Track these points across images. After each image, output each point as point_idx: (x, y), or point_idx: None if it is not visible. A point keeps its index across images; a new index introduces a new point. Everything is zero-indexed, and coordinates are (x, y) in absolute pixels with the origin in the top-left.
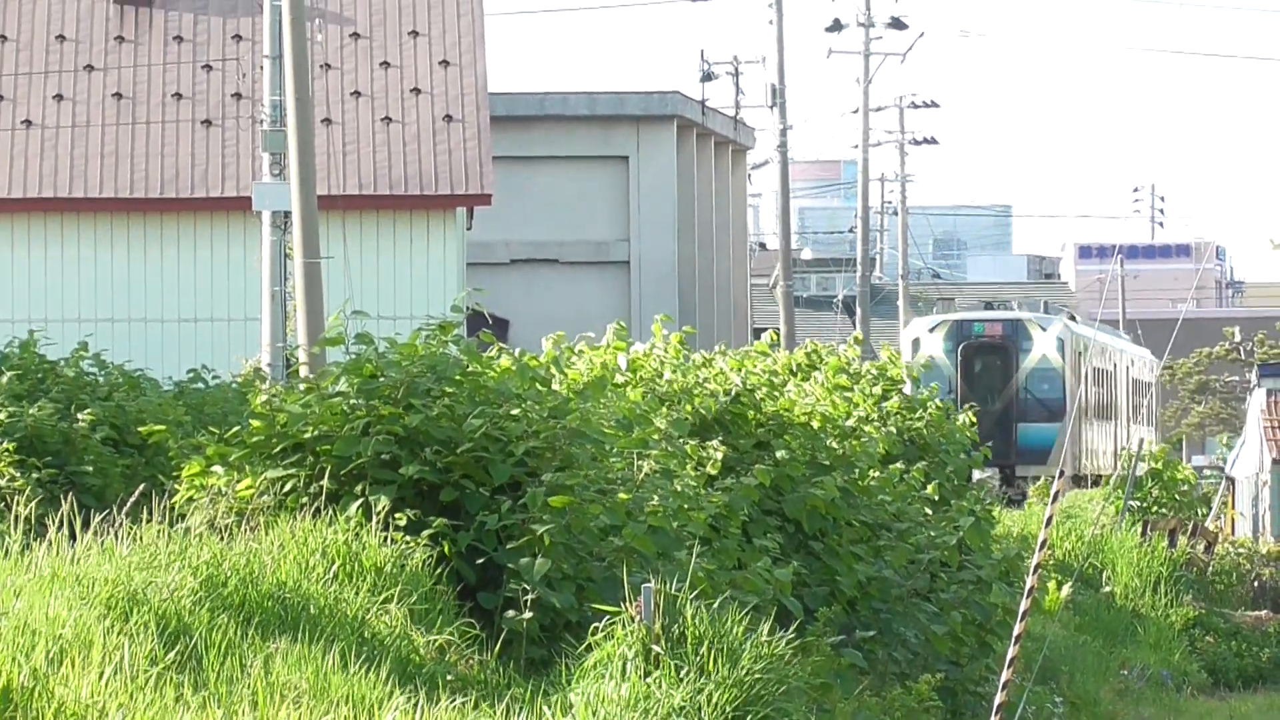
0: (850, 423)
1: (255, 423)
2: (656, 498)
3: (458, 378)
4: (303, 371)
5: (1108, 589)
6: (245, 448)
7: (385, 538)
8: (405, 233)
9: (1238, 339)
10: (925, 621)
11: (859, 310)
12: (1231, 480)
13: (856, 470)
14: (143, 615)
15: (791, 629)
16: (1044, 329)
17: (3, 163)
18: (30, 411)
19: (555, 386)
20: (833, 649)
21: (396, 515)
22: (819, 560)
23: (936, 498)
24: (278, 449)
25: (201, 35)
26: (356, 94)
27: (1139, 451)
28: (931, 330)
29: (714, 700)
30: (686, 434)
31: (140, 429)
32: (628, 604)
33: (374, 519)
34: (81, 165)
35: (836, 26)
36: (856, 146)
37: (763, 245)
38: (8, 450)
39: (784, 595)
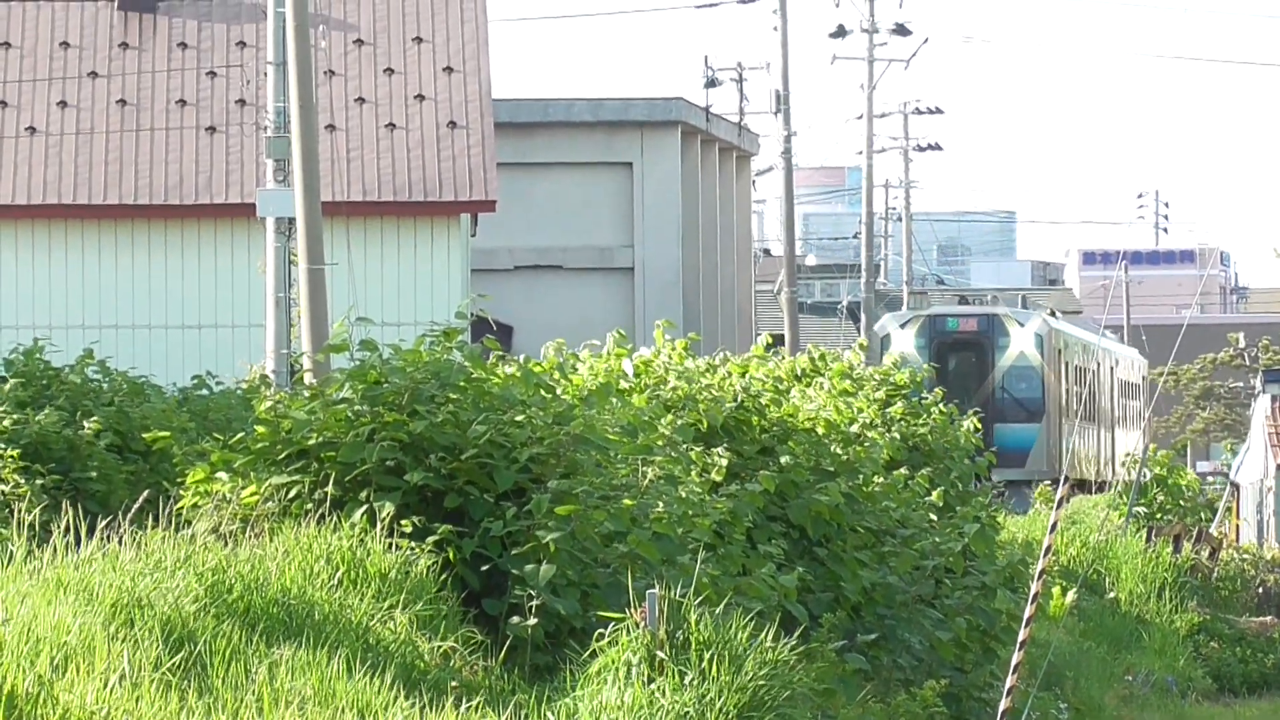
0: (854, 428)
1: (260, 429)
2: (661, 504)
3: (462, 384)
4: (307, 378)
5: (1112, 595)
6: (250, 454)
7: (390, 544)
8: (409, 239)
9: (1242, 345)
10: (930, 627)
11: (863, 316)
12: (1236, 486)
13: (861, 476)
14: (147, 621)
15: (796, 635)
16: (1021, 325)
17: (7, 169)
18: (35, 418)
19: (559, 393)
20: (837, 655)
21: (401, 522)
22: (823, 566)
23: (941, 504)
24: (282, 455)
25: (205, 42)
26: (360, 100)
27: (1144, 457)
28: (903, 326)
29: (718, 706)
30: (691, 440)
31: (145, 435)
32: (632, 610)
33: (378, 525)
34: (85, 172)
35: (841, 33)
36: (861, 153)
37: (767, 251)
38: (12, 457)
39: (788, 601)
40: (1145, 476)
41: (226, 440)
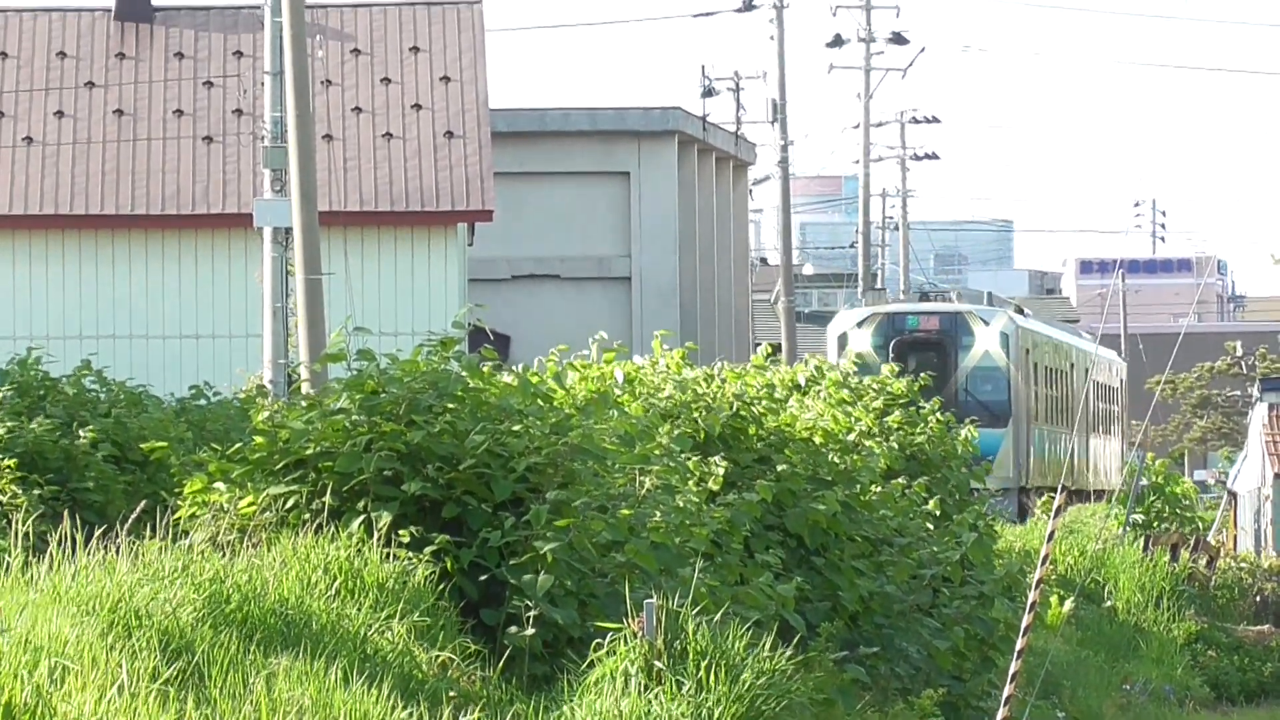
0: (852, 438)
1: (258, 439)
2: (659, 513)
3: (459, 394)
4: (304, 388)
5: (1110, 604)
6: (248, 464)
7: (387, 554)
8: (406, 249)
9: (1239, 353)
10: (927, 636)
11: None
12: (1234, 495)
13: (858, 485)
14: (145, 632)
15: (793, 644)
16: (986, 323)
17: (4, 179)
18: (31, 427)
19: (556, 402)
20: (835, 664)
21: (399, 532)
22: (821, 575)
23: (938, 513)
24: (280, 465)
25: (202, 52)
26: (357, 110)
27: (1140, 466)
28: (859, 325)
29: (716, 716)
30: (688, 449)
31: (142, 446)
32: (630, 620)
33: (376, 535)
34: (83, 182)
35: (838, 42)
36: (858, 162)
37: (764, 260)
38: (9, 467)
39: (786, 610)
40: (1142, 485)
41: (224, 450)
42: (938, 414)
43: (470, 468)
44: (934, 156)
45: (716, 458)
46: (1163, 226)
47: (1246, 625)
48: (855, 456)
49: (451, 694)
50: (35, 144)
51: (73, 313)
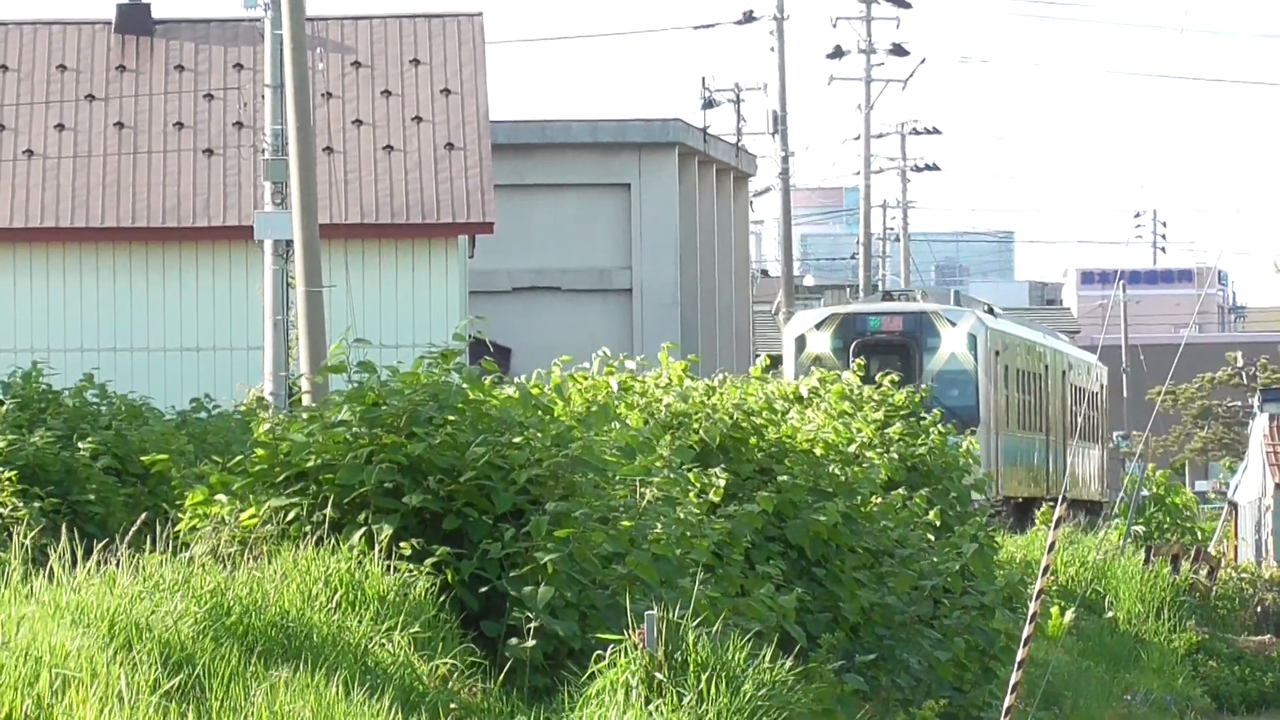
0: (853, 449)
1: (259, 451)
2: (659, 525)
3: (460, 406)
4: (305, 400)
5: (1111, 614)
6: (248, 476)
7: (388, 566)
8: (407, 261)
9: (1240, 364)
10: (928, 647)
11: None
12: (1234, 505)
13: (859, 496)
14: (146, 644)
15: (794, 655)
16: (953, 323)
17: (4, 192)
18: (32, 440)
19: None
20: (836, 675)
21: (400, 544)
22: (822, 586)
23: (939, 524)
24: (281, 478)
25: (203, 64)
26: (358, 122)
27: (1141, 477)
28: (818, 326)
29: None
30: (689, 461)
31: (143, 459)
32: (631, 631)
33: (377, 547)
34: (83, 195)
35: (838, 53)
36: (858, 173)
37: (765, 272)
38: (10, 479)
39: (787, 622)
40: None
41: (225, 463)
42: (939, 426)
43: (471, 479)
44: (935, 168)
45: (717, 469)
46: (1163, 237)
47: (1247, 636)
48: (856, 468)
49: (452, 706)
50: (36, 157)
51: (73, 326)
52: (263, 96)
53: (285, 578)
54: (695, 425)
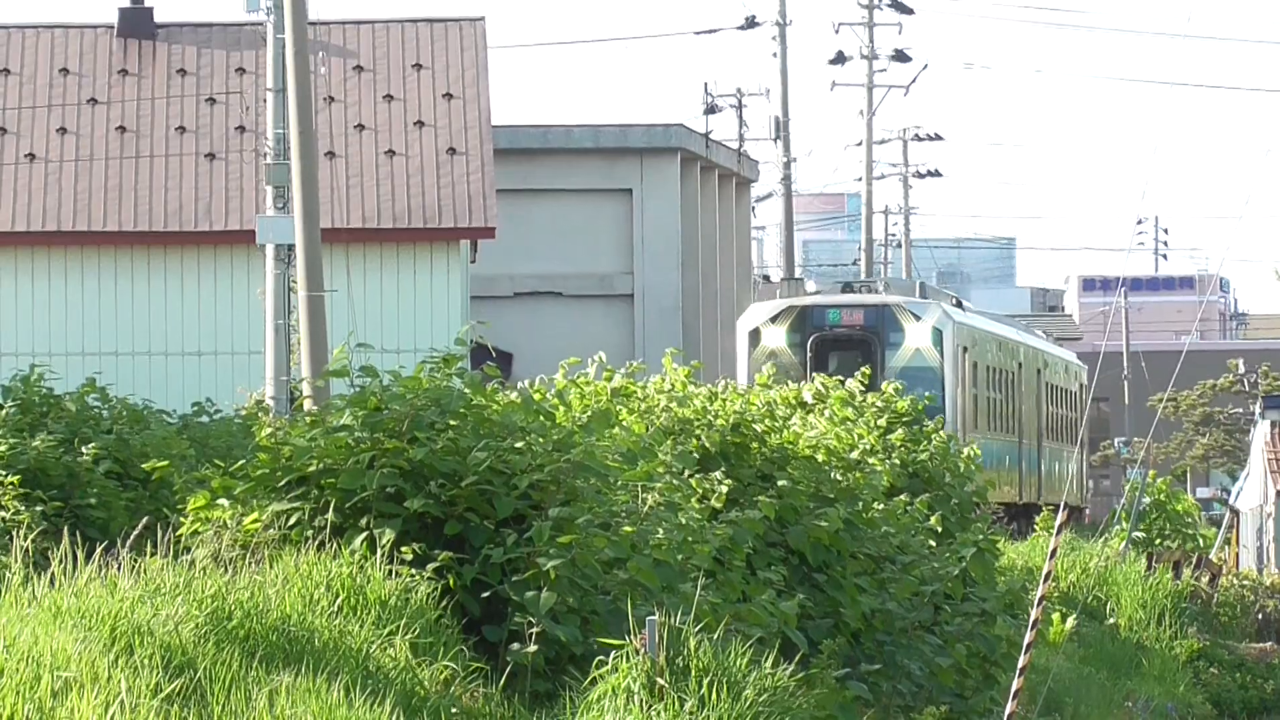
0: (855, 455)
1: (261, 455)
2: (661, 530)
3: (462, 411)
4: (307, 405)
5: (1112, 621)
6: (250, 481)
7: (390, 571)
8: (409, 266)
9: (1241, 371)
10: (929, 654)
11: None
12: (1236, 512)
13: (860, 503)
14: (147, 648)
15: (795, 661)
16: (918, 317)
17: (6, 196)
18: (34, 444)
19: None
20: (837, 681)
21: (401, 549)
22: (823, 592)
23: (940, 530)
24: (282, 482)
25: (205, 68)
26: (360, 127)
27: (1143, 484)
28: (773, 319)
29: None
30: (691, 466)
31: (144, 465)
32: (632, 637)
33: (378, 552)
34: (85, 199)
35: (840, 59)
36: (860, 179)
37: (767, 278)
38: (12, 484)
39: (788, 627)
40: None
41: (227, 467)
42: (940, 432)
43: (472, 484)
44: (937, 174)
45: (717, 473)
46: (1165, 244)
47: (1249, 643)
48: (858, 474)
49: (454, 711)
50: (38, 161)
51: (75, 330)
52: (264, 100)
53: (287, 582)
54: (697, 431)
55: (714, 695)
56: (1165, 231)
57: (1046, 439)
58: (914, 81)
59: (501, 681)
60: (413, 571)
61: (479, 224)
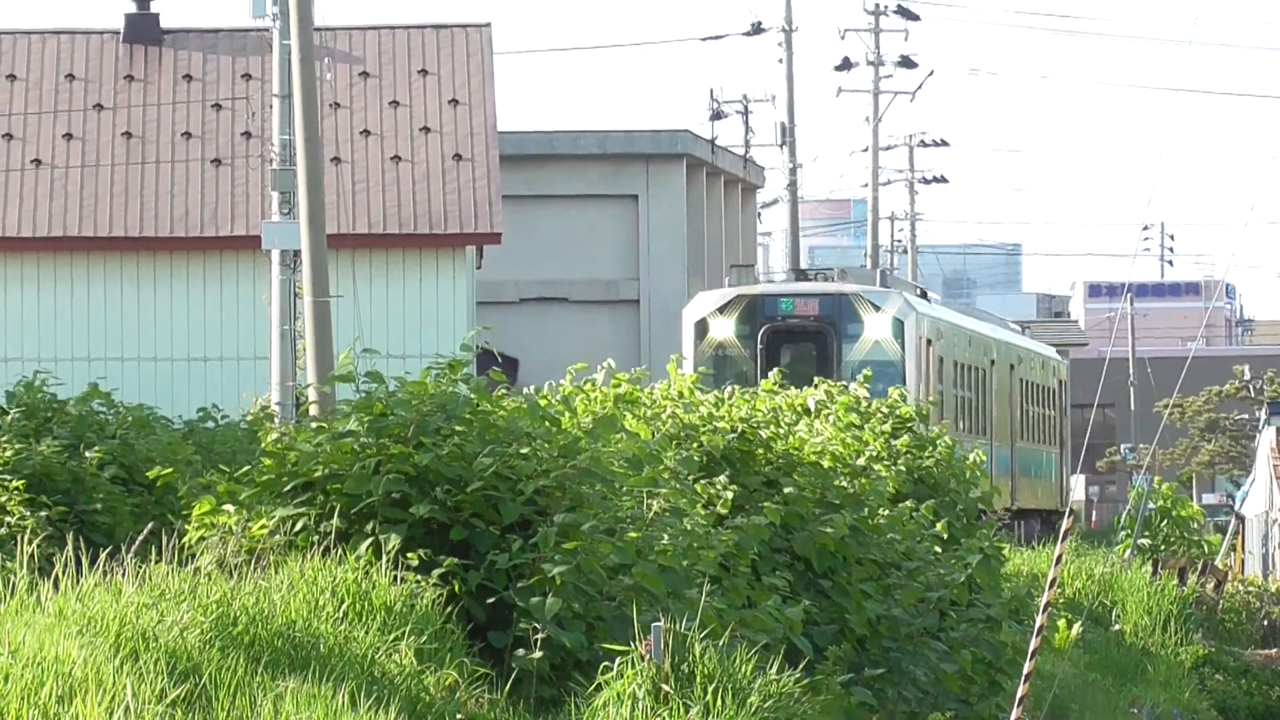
0: (860, 461)
1: (266, 461)
2: (666, 536)
3: (468, 416)
4: (312, 410)
5: (1117, 627)
6: (255, 486)
7: (395, 577)
8: (415, 272)
9: (1247, 377)
10: (935, 660)
11: None
12: (1241, 519)
13: (866, 509)
14: (152, 654)
15: (800, 667)
16: (877, 307)
17: (12, 202)
18: (39, 449)
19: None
20: (842, 687)
21: (407, 554)
22: (828, 599)
23: (946, 536)
24: (288, 488)
25: (211, 74)
26: (366, 133)
27: (1148, 490)
28: (721, 309)
29: None
30: (695, 472)
31: (149, 473)
32: (637, 643)
33: (384, 558)
34: (91, 204)
35: (846, 65)
36: (866, 185)
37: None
38: (17, 489)
39: (793, 634)
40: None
41: (232, 473)
42: (946, 438)
43: (478, 490)
44: (943, 180)
45: (722, 478)
46: (1171, 250)
47: (1254, 649)
48: (864, 480)
49: (459, 716)
50: (44, 166)
51: (80, 335)
52: (271, 106)
53: (292, 588)
54: (702, 436)
55: (719, 701)
56: (1171, 237)
57: (1021, 440)
58: (920, 87)
59: (507, 687)
60: (418, 577)
61: (485, 230)
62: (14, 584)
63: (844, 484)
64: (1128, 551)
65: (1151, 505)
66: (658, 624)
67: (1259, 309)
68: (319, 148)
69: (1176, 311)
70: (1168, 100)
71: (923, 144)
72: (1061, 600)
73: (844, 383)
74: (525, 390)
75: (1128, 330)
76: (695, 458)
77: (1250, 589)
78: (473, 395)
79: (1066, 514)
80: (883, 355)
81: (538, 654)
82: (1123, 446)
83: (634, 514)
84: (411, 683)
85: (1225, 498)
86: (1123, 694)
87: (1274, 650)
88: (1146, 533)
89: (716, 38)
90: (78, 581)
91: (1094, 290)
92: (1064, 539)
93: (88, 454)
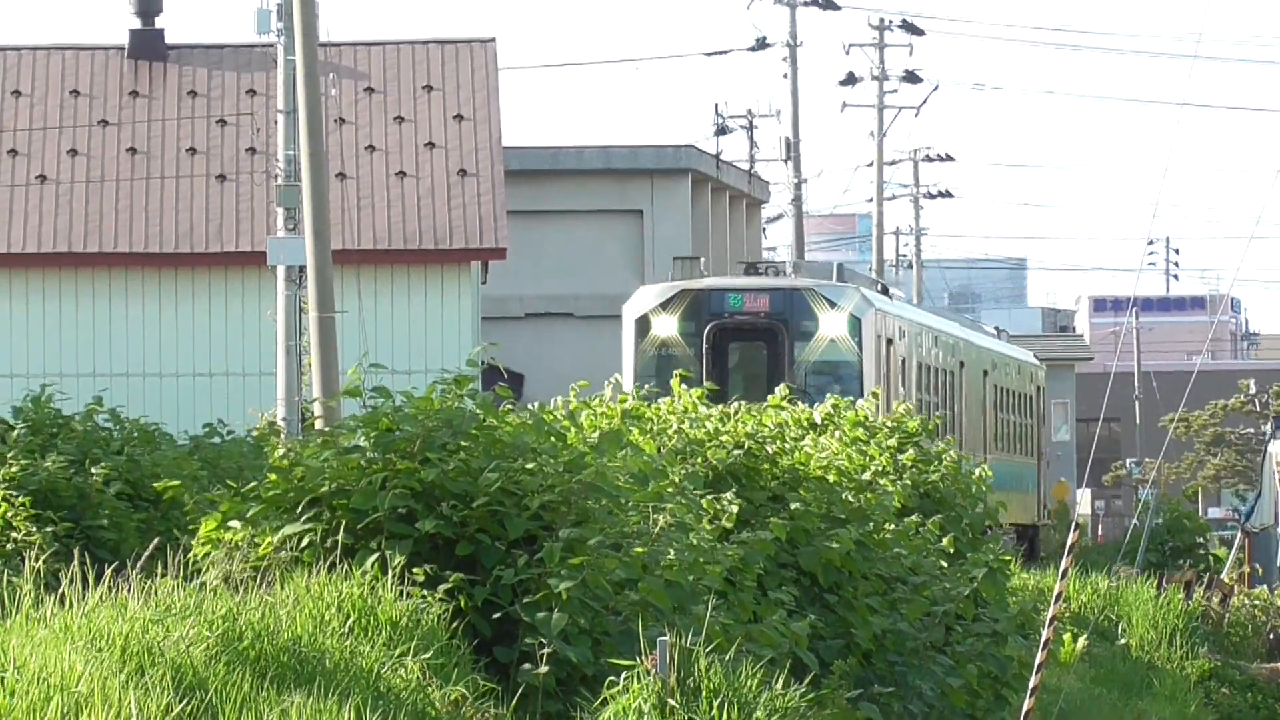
0: (866, 476)
1: (272, 476)
2: (672, 551)
3: (473, 432)
4: (318, 425)
5: (1123, 641)
6: (261, 502)
7: (401, 592)
8: (420, 287)
9: (1253, 391)
10: (941, 674)
11: None
12: (1248, 533)
13: (872, 523)
14: (158, 669)
15: (807, 682)
16: (833, 304)
17: (17, 217)
18: (44, 465)
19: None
20: (848, 702)
21: (413, 570)
22: (834, 613)
23: (952, 550)
24: (294, 503)
25: (215, 90)
26: (371, 148)
27: (1154, 505)
28: (664, 305)
29: None
30: (700, 487)
31: (155, 485)
32: (643, 657)
33: (390, 573)
34: (96, 220)
35: (851, 80)
36: (871, 200)
37: None
38: (23, 504)
39: (799, 648)
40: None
41: (238, 488)
42: (951, 452)
43: (484, 505)
44: (947, 194)
45: (728, 493)
46: (1176, 265)
47: (1260, 663)
48: (870, 495)
49: None
50: (49, 182)
51: (86, 351)
52: (275, 122)
53: (298, 603)
54: (707, 451)
55: (725, 716)
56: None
57: (993, 449)
58: (925, 102)
59: (513, 703)
60: (424, 592)
61: (490, 245)
62: (20, 599)
63: (850, 499)
64: (1133, 565)
65: (1158, 520)
66: (663, 639)
67: (1264, 323)
68: (324, 163)
69: (1182, 326)
70: (1173, 115)
71: (927, 158)
72: (1067, 614)
73: (789, 384)
74: (530, 405)
75: (1133, 344)
76: (701, 473)
77: (1256, 603)
78: (478, 411)
79: (1072, 528)
80: (838, 355)
81: (543, 669)
82: (1128, 461)
83: (640, 529)
84: (417, 698)
85: (1232, 512)
86: (1128, 708)
87: (1279, 664)
88: (1152, 547)
89: (721, 53)
90: (83, 597)
91: (1099, 304)
92: (1069, 552)
93: (93, 470)
